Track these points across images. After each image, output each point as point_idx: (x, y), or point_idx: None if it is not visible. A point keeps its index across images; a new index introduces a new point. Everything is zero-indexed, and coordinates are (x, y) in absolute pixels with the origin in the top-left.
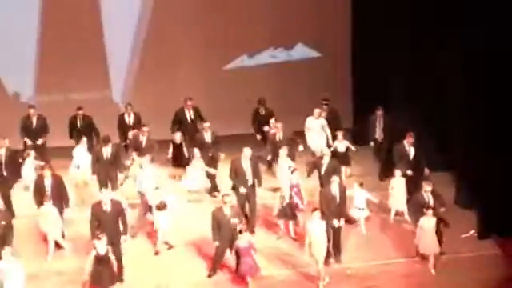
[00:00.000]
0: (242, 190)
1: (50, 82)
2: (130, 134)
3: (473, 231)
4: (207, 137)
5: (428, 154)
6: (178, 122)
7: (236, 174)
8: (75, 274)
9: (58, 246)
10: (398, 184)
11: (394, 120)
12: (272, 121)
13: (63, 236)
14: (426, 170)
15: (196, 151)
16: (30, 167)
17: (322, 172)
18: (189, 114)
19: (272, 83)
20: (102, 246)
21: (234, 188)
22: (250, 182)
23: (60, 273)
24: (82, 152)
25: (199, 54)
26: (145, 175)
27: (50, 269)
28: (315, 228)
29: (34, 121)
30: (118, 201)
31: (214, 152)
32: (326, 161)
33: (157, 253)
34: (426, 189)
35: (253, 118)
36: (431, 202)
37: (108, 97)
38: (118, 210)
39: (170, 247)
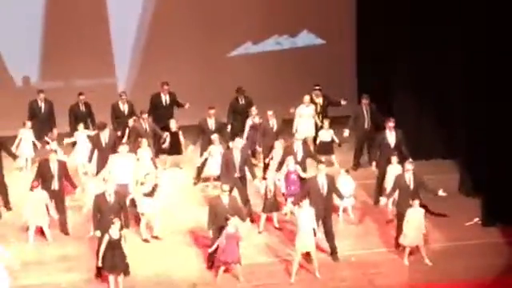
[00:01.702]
0: (225, 187)
1: (54, 70)
2: (131, 122)
3: (477, 219)
4: (211, 123)
5: (432, 141)
6: (154, 107)
7: (226, 167)
8: (76, 259)
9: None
10: (394, 172)
11: (399, 108)
12: (253, 109)
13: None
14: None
15: (215, 137)
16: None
17: (299, 159)
18: (164, 99)
19: (276, 70)
20: (115, 230)
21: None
22: (238, 174)
23: (63, 258)
24: (83, 138)
25: (204, 41)
26: (126, 165)
27: (51, 255)
28: (303, 216)
29: (42, 106)
30: (122, 193)
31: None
32: (298, 146)
33: (146, 240)
34: (407, 167)
35: (230, 108)
36: (412, 183)
37: (113, 84)
38: (121, 202)
39: (157, 238)
